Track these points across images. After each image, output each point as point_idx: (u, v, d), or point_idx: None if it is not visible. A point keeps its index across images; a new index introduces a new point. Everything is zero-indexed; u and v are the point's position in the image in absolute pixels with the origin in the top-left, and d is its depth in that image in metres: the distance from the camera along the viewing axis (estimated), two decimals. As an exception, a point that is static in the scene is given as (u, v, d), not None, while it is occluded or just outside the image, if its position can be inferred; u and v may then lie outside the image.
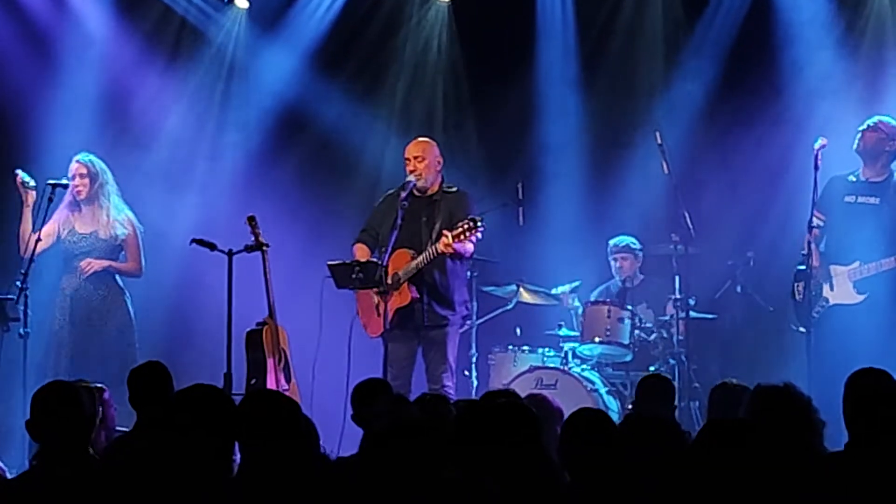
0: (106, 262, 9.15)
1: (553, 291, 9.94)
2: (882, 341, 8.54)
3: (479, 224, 8.44)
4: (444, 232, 8.53)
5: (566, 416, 4.82)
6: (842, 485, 4.33)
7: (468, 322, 9.41)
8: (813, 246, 8.79)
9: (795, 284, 8.98)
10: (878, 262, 8.74)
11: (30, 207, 8.99)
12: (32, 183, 9.02)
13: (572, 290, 9.95)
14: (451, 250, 8.54)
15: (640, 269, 10.15)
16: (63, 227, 9.21)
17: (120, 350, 9.02)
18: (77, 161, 9.23)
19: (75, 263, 9.15)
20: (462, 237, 8.48)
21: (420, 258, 8.65)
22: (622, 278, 10.08)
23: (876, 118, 8.94)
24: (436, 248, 8.58)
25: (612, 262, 10.14)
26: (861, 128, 8.89)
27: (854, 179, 8.86)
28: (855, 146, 8.87)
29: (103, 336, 9.08)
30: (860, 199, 8.87)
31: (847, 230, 8.79)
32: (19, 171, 9.08)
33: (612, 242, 10.14)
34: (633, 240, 10.08)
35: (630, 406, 9.30)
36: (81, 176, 9.20)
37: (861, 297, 8.81)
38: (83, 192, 9.18)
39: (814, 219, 8.96)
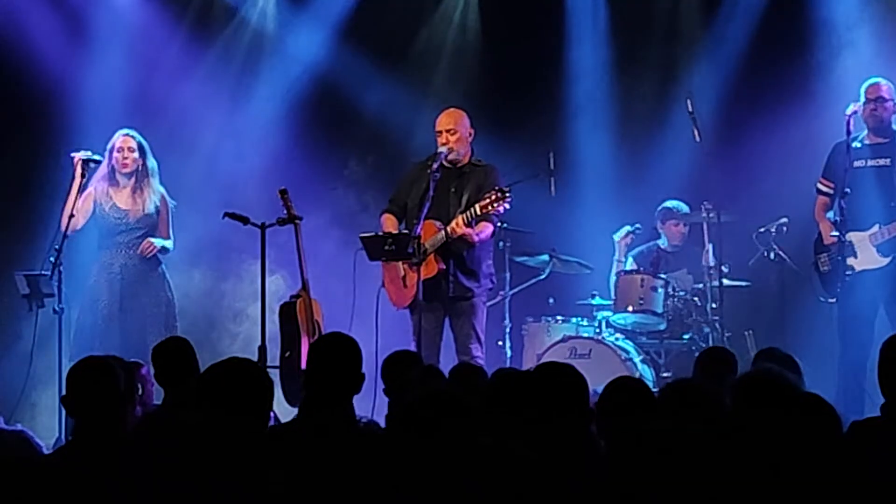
0: (161, 243, 9.13)
1: (614, 235, 9.89)
2: None
3: (506, 194, 8.40)
4: (459, 219, 8.47)
5: (602, 385, 4.80)
6: (879, 450, 4.24)
7: (500, 293, 9.39)
8: (823, 222, 8.82)
9: (817, 257, 8.93)
10: None
11: (79, 183, 8.92)
12: (98, 157, 8.97)
13: (627, 234, 9.87)
14: (460, 233, 8.48)
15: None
16: (103, 202, 9.11)
17: (164, 324, 9.01)
18: (126, 134, 9.12)
19: (119, 239, 9.05)
20: (490, 207, 8.44)
21: (445, 231, 8.61)
22: (673, 244, 10.02)
23: (872, 83, 8.81)
24: (452, 229, 8.54)
25: (663, 227, 10.05)
26: (868, 98, 8.75)
27: (860, 145, 8.76)
28: (860, 113, 8.75)
29: (148, 311, 9.05)
30: (870, 163, 8.78)
31: (862, 195, 8.68)
32: (80, 153, 8.92)
33: (669, 205, 10.01)
34: (686, 206, 9.99)
35: (665, 375, 9.32)
36: (130, 149, 9.09)
37: (886, 260, 8.73)
38: (129, 165, 9.10)
39: (822, 185, 8.90)
